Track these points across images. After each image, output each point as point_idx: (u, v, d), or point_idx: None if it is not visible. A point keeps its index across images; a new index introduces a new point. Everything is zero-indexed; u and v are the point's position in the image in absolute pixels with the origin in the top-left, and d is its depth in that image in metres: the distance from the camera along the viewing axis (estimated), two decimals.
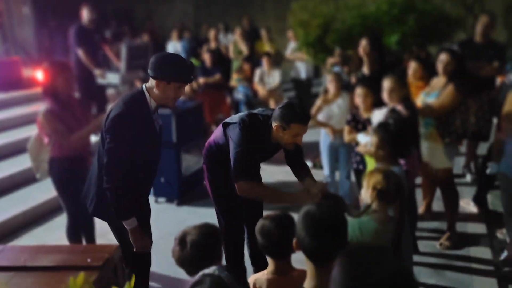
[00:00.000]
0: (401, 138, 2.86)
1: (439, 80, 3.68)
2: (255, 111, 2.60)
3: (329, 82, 4.44)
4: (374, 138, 2.83)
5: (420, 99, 3.70)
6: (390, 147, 2.80)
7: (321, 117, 4.45)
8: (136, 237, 2.38)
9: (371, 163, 3.27)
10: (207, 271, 1.38)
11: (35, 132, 3.32)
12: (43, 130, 3.16)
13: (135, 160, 2.32)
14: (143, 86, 2.37)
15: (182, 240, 1.79)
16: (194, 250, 1.75)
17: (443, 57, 3.58)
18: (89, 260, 2.20)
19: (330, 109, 4.40)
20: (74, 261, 2.21)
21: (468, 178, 5.08)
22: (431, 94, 3.62)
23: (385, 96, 3.42)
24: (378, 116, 3.45)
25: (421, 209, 4.22)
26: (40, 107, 3.13)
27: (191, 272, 1.79)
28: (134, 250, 2.42)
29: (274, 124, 2.38)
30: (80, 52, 5.66)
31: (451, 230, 3.79)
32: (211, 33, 8.31)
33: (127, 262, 2.53)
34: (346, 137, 3.88)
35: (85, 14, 5.73)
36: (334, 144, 4.39)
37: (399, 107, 3.31)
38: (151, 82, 2.32)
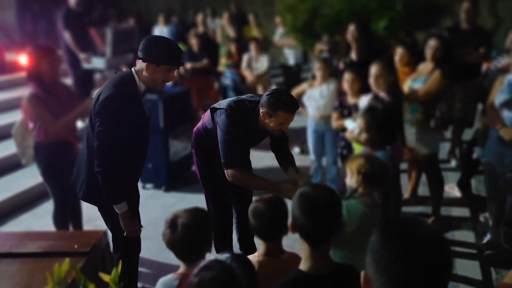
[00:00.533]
0: (386, 124, 2.89)
1: (426, 66, 3.70)
2: (243, 97, 2.58)
3: (316, 69, 4.43)
4: (361, 121, 2.86)
5: (407, 85, 3.72)
6: (376, 131, 2.83)
7: (305, 98, 4.46)
8: (126, 222, 2.37)
9: (358, 149, 3.30)
10: (220, 257, 1.38)
11: (19, 117, 3.27)
12: (28, 115, 3.11)
13: (125, 143, 2.30)
14: (132, 69, 2.34)
15: (173, 223, 1.79)
16: (185, 232, 1.75)
17: (432, 43, 3.60)
18: (76, 246, 2.20)
19: (312, 92, 4.40)
20: (61, 247, 2.20)
21: (453, 163, 5.16)
22: (418, 80, 3.65)
23: (371, 82, 3.44)
24: (365, 102, 3.47)
25: (406, 193, 4.29)
26: (25, 92, 3.08)
27: (181, 256, 1.79)
28: (124, 235, 2.41)
29: (261, 111, 2.38)
30: (67, 36, 5.56)
31: (436, 214, 3.86)
32: (199, 18, 8.21)
33: (116, 248, 2.52)
34: (334, 123, 3.90)
35: None
36: (319, 129, 4.40)
37: (382, 94, 3.33)
38: (141, 65, 2.29)
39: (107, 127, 2.22)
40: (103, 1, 11.14)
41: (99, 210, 2.52)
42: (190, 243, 1.75)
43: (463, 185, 4.44)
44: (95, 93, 2.47)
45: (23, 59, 7.13)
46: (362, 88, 3.72)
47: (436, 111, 3.54)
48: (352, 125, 3.43)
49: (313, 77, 4.60)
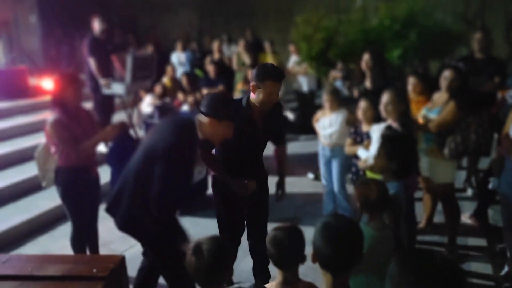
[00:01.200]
0: (401, 155, 2.93)
1: (441, 96, 3.73)
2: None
3: (324, 100, 4.49)
4: (380, 160, 2.91)
5: (422, 114, 3.75)
6: (390, 162, 2.86)
7: (316, 126, 4.54)
8: None
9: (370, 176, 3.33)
10: (243, 285, 1.44)
11: (42, 141, 3.38)
12: (50, 140, 3.21)
13: (184, 188, 2.38)
14: (195, 118, 2.43)
15: (197, 250, 1.83)
16: (212, 259, 1.79)
17: (447, 74, 3.62)
18: (94, 270, 2.24)
19: (322, 120, 4.47)
20: (80, 271, 2.24)
21: (469, 192, 5.11)
22: (433, 110, 3.67)
23: (381, 109, 3.46)
24: (376, 131, 3.50)
25: (422, 223, 4.25)
26: (49, 117, 3.19)
27: (203, 283, 1.83)
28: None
29: (250, 84, 2.60)
30: (91, 62, 5.80)
31: (452, 243, 3.82)
32: (215, 44, 8.40)
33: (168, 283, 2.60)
34: (347, 148, 3.93)
35: (96, 25, 5.87)
36: (326, 154, 4.45)
37: (395, 125, 3.35)
38: (202, 118, 2.39)
39: (171, 173, 2.27)
40: (122, 27, 11.51)
41: (142, 244, 2.59)
42: (215, 269, 1.80)
43: (479, 215, 4.38)
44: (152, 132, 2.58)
45: (46, 83, 7.39)
46: (376, 116, 3.76)
47: (450, 142, 3.55)
48: (365, 154, 3.46)
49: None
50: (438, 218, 4.30)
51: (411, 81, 4.06)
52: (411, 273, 1.02)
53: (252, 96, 2.64)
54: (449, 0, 10.25)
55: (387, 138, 3.00)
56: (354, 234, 1.60)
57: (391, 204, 2.50)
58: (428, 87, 3.96)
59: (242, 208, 2.95)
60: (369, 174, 3.36)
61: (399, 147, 2.97)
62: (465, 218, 4.38)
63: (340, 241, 1.55)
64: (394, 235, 2.42)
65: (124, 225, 2.50)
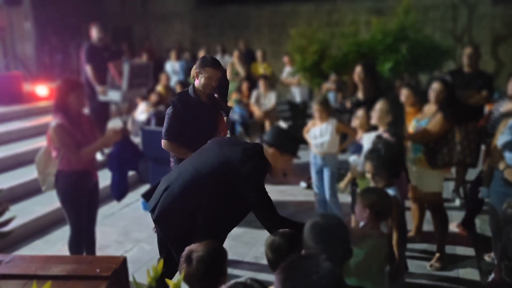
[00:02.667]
0: (392, 162, 3.04)
1: (430, 108, 3.86)
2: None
3: (314, 110, 4.61)
4: (368, 165, 3.01)
5: (412, 125, 3.88)
6: (384, 171, 2.97)
7: (307, 136, 4.66)
8: None
9: (362, 184, 3.44)
10: (240, 280, 1.49)
11: (37, 145, 3.43)
12: (52, 144, 3.26)
13: None
14: (263, 145, 2.57)
15: (188, 257, 1.87)
16: (201, 265, 1.82)
17: (435, 86, 3.76)
18: (98, 270, 2.29)
19: (313, 130, 4.59)
20: (84, 271, 2.29)
21: (457, 202, 5.25)
22: (422, 121, 3.81)
23: (373, 115, 3.59)
24: (366, 140, 3.63)
25: (412, 231, 4.36)
26: (51, 122, 3.25)
27: None
28: None
29: (193, 71, 3.11)
30: (88, 69, 5.86)
31: (441, 252, 3.92)
32: (200, 54, 8.53)
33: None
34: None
35: (94, 33, 5.96)
36: (318, 163, 4.56)
37: (386, 135, 3.47)
38: (266, 147, 2.53)
39: (262, 190, 2.42)
40: (117, 36, 11.60)
41: (168, 239, 2.61)
42: (205, 275, 1.82)
43: (467, 224, 4.51)
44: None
45: (40, 89, 7.42)
46: (391, 122, 3.86)
47: (436, 153, 3.67)
48: (355, 160, 3.59)
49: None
50: (427, 227, 4.41)
51: (404, 93, 4.19)
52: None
53: (196, 82, 3.16)
54: (438, 17, 10.57)
55: (382, 146, 3.12)
56: (339, 229, 1.73)
57: (397, 213, 2.60)
58: (420, 99, 4.10)
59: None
60: (360, 181, 3.48)
61: (389, 156, 3.08)
62: (453, 227, 4.50)
63: (327, 237, 1.68)
64: (389, 244, 2.52)
65: (161, 219, 2.56)
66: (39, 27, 9.43)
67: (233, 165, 2.40)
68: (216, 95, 3.28)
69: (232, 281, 1.65)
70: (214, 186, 2.44)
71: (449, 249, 4.11)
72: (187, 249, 1.92)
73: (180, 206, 2.49)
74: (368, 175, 3.06)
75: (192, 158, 2.62)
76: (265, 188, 2.45)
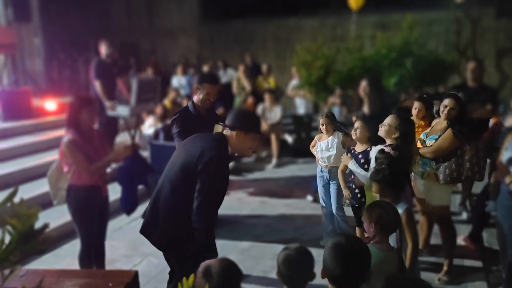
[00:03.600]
0: (397, 178, 3.06)
1: (439, 123, 3.86)
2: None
3: (320, 125, 4.65)
4: (375, 186, 3.03)
5: (420, 140, 3.90)
6: (391, 189, 2.99)
7: (313, 150, 4.68)
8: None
9: (369, 196, 3.45)
10: None
11: (55, 161, 3.49)
12: (64, 159, 3.32)
13: (220, 200, 2.53)
14: (224, 133, 2.60)
15: (207, 273, 1.86)
16: (222, 281, 1.83)
17: (447, 102, 3.71)
18: (110, 284, 2.33)
19: (320, 144, 4.62)
20: (96, 285, 2.33)
21: (464, 215, 5.25)
22: (430, 137, 3.83)
23: (381, 129, 3.59)
24: (373, 153, 3.63)
25: (420, 244, 4.36)
26: (64, 138, 3.31)
27: None
28: None
29: (193, 88, 3.21)
30: (97, 84, 5.97)
31: (449, 265, 3.92)
32: (205, 68, 8.67)
33: None
34: (343, 159, 4.06)
35: (103, 49, 6.09)
36: (324, 175, 4.57)
37: (387, 149, 3.48)
38: (229, 132, 2.56)
39: (213, 184, 2.40)
40: (124, 51, 11.78)
41: (177, 262, 2.61)
42: None
43: (474, 237, 4.51)
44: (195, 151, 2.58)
45: (48, 104, 7.53)
46: (374, 140, 3.89)
47: (445, 168, 3.69)
48: (357, 168, 3.63)
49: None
50: (435, 240, 4.41)
51: (416, 106, 4.17)
52: None
53: (195, 98, 3.38)
54: (442, 30, 10.67)
55: (385, 165, 3.12)
56: (363, 255, 1.74)
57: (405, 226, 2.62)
58: (430, 114, 4.10)
59: None
60: (367, 192, 3.49)
61: (397, 170, 3.10)
62: (461, 240, 4.49)
63: (351, 262, 1.70)
64: (398, 257, 2.54)
65: (162, 244, 2.58)
66: (48, 43, 9.61)
67: (197, 158, 2.43)
68: (215, 110, 3.45)
69: None
70: (191, 181, 2.43)
71: (457, 262, 4.11)
72: (204, 264, 1.93)
73: (173, 210, 2.51)
74: (376, 195, 3.08)
75: (172, 165, 2.63)
76: (221, 183, 2.45)
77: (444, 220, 3.97)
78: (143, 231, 2.66)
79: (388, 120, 3.58)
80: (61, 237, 4.64)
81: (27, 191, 5.23)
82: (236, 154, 2.76)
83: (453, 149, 3.66)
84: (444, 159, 3.70)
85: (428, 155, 3.75)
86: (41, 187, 5.12)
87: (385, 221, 2.48)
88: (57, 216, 4.70)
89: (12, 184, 5.42)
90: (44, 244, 1.66)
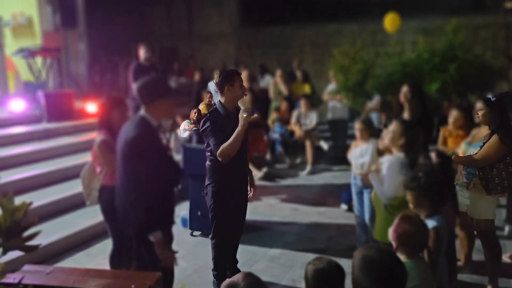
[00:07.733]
0: (435, 188, 2.83)
1: (481, 130, 3.66)
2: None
3: (356, 129, 4.50)
4: (409, 195, 2.82)
5: (462, 149, 3.68)
6: (426, 200, 2.78)
7: (349, 155, 4.54)
8: (160, 249, 2.68)
9: (378, 209, 3.25)
10: None
11: (81, 161, 3.54)
12: (96, 160, 3.36)
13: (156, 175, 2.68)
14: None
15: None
16: None
17: (477, 106, 3.60)
18: (133, 286, 2.30)
19: (354, 150, 4.47)
20: (119, 286, 2.31)
21: (506, 231, 4.91)
22: (474, 145, 3.61)
23: (385, 137, 3.37)
24: (386, 161, 3.39)
25: (461, 261, 4.11)
26: (96, 138, 3.35)
27: None
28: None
29: (217, 89, 3.42)
30: (135, 87, 6.08)
31: (493, 284, 3.66)
32: (243, 74, 8.64)
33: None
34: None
35: (141, 53, 6.24)
36: (357, 185, 4.41)
37: (433, 154, 3.28)
38: (144, 110, 2.74)
39: (137, 168, 2.66)
40: (163, 56, 12.01)
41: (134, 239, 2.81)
42: None
43: None
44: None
45: (89, 107, 7.75)
46: (405, 145, 3.65)
47: (494, 177, 3.45)
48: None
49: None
50: (477, 256, 4.14)
51: (454, 114, 4.01)
52: None
53: (222, 98, 3.42)
54: (490, 36, 10.16)
55: (423, 174, 2.91)
56: (399, 272, 1.58)
57: (437, 241, 2.44)
58: (470, 123, 3.91)
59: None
60: (376, 205, 3.28)
61: (429, 184, 2.87)
62: (506, 257, 4.20)
63: (386, 279, 1.54)
64: (433, 274, 2.35)
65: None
66: (92, 48, 9.93)
67: (124, 143, 2.65)
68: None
69: None
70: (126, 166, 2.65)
71: (503, 282, 3.82)
72: (228, 280, 1.89)
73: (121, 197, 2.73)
74: (411, 205, 2.88)
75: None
76: (147, 164, 2.56)
77: (489, 235, 3.71)
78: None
79: (392, 127, 3.37)
80: (93, 236, 4.72)
81: (64, 191, 5.37)
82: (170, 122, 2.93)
83: (500, 156, 3.42)
84: (491, 167, 3.46)
85: (474, 164, 3.52)
86: (77, 187, 5.24)
87: (411, 235, 2.30)
88: (91, 216, 4.79)
89: (52, 183, 5.59)
90: (28, 241, 1.65)
